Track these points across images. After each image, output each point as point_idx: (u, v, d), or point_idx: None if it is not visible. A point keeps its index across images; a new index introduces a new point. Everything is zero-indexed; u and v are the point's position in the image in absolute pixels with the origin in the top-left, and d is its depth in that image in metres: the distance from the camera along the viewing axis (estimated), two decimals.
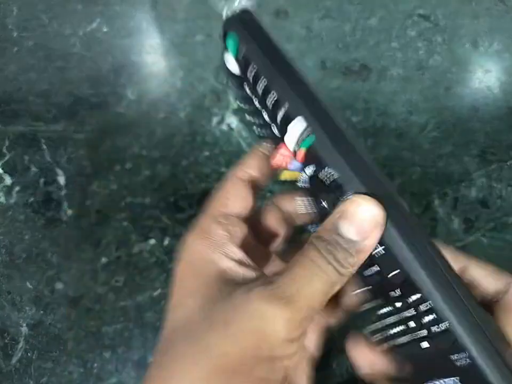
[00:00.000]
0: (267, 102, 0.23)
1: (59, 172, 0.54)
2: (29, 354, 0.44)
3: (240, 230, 0.25)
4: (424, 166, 0.51)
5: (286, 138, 0.23)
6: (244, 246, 0.25)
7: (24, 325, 0.45)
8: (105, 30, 0.66)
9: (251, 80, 0.23)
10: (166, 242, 0.49)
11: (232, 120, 0.56)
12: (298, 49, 0.61)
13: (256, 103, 0.24)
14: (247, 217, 0.27)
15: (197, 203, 0.51)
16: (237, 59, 0.23)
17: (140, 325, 0.45)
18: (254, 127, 0.27)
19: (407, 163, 0.51)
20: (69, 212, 0.51)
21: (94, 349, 0.44)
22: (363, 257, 0.21)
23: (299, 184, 0.24)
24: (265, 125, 0.25)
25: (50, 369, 0.43)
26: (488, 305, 0.25)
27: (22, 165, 0.55)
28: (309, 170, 0.22)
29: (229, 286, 0.22)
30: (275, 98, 0.22)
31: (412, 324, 0.21)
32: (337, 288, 0.21)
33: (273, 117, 0.23)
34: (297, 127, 0.22)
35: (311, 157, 0.22)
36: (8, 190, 0.53)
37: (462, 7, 0.63)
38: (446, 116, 0.54)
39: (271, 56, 0.22)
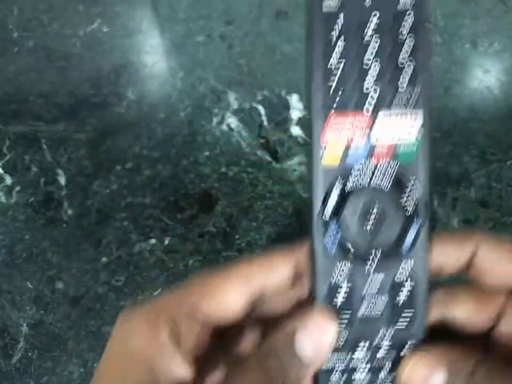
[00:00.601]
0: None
1: (59, 171, 0.54)
2: (29, 354, 0.44)
3: (194, 338, 0.21)
4: None
5: None
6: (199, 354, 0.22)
7: (25, 324, 0.45)
8: (105, 30, 0.66)
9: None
10: (166, 242, 0.49)
11: (232, 120, 0.56)
12: (298, 50, 0.61)
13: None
14: (220, 330, 0.23)
15: (197, 203, 0.51)
16: None
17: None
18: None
19: None
20: (69, 211, 0.51)
21: (94, 348, 0.44)
22: (309, 375, 0.21)
23: None
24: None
25: (50, 368, 0.43)
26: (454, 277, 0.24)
27: (23, 165, 0.55)
28: None
29: None
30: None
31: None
32: None
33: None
34: None
35: None
36: (9, 190, 0.53)
37: (462, 8, 0.63)
38: (445, 116, 0.55)
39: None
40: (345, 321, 0.22)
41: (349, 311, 0.22)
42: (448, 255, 0.23)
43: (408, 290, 0.22)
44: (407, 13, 0.21)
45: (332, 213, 0.22)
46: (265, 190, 0.51)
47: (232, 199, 0.51)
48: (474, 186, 0.50)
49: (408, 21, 0.21)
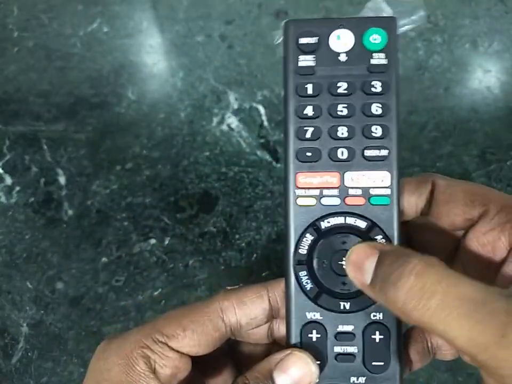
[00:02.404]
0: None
1: (59, 171, 0.54)
2: (29, 354, 0.44)
3: (170, 367, 0.22)
4: (424, 166, 0.51)
5: None
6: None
7: (25, 324, 0.45)
8: (105, 30, 0.66)
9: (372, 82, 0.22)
10: (166, 242, 0.49)
11: (232, 120, 0.56)
12: None
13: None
14: (198, 357, 0.23)
15: (197, 203, 0.51)
16: (378, 51, 0.22)
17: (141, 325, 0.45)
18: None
19: (407, 163, 0.51)
20: (69, 211, 0.51)
21: (95, 348, 0.44)
22: None
23: None
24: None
25: (50, 369, 0.43)
26: (454, 237, 0.24)
27: (23, 165, 0.55)
28: None
29: None
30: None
31: None
32: None
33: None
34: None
35: None
36: (9, 190, 0.53)
37: (462, 8, 0.63)
38: (445, 116, 0.55)
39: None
40: (319, 360, 0.22)
41: (323, 350, 0.22)
42: (407, 201, 0.23)
43: (382, 332, 0.22)
44: (378, 75, 0.22)
45: (306, 253, 0.23)
46: (265, 190, 0.51)
47: (232, 199, 0.51)
48: None
49: (379, 82, 0.22)
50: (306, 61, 0.23)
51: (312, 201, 0.23)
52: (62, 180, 0.53)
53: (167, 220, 0.50)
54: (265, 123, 0.56)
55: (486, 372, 0.17)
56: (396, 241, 0.22)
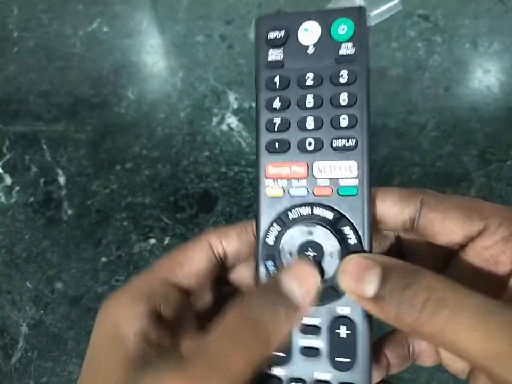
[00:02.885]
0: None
1: (59, 171, 0.54)
2: (28, 354, 0.44)
3: (172, 304, 0.23)
4: (424, 166, 0.51)
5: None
6: (177, 317, 0.23)
7: (24, 324, 0.45)
8: (105, 30, 0.66)
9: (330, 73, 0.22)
10: (166, 242, 0.49)
11: (232, 120, 0.56)
12: None
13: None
14: (195, 290, 0.24)
15: (197, 203, 0.51)
16: (345, 40, 0.22)
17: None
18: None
19: (407, 163, 0.51)
20: (69, 211, 0.51)
21: None
22: (301, 314, 0.20)
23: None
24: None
25: (50, 369, 0.43)
26: (448, 255, 0.23)
27: (22, 164, 0.55)
28: None
29: (138, 371, 0.19)
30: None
31: None
32: (267, 353, 0.19)
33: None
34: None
35: None
36: (9, 190, 0.53)
37: (462, 7, 0.63)
38: (446, 116, 0.55)
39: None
40: (284, 354, 0.22)
41: (289, 343, 0.22)
42: (391, 211, 0.23)
43: (349, 327, 0.22)
44: (346, 65, 0.22)
45: (273, 244, 0.23)
46: None
47: (232, 199, 0.51)
48: (474, 186, 0.50)
49: (346, 72, 0.22)
50: (275, 55, 0.23)
51: (280, 192, 0.23)
52: (61, 179, 0.53)
53: (167, 219, 0.50)
54: None
55: (494, 381, 0.18)
56: (365, 233, 0.22)
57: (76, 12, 0.68)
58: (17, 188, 0.53)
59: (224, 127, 0.56)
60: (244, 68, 0.61)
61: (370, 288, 0.19)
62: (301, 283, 0.20)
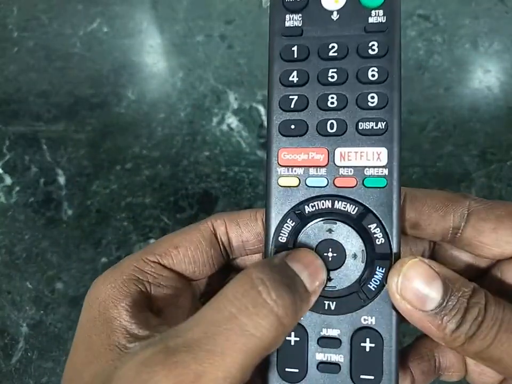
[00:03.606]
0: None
1: (59, 171, 0.54)
2: (29, 354, 0.44)
3: (165, 287, 0.21)
4: (424, 166, 0.51)
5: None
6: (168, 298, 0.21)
7: (24, 324, 0.45)
8: (105, 30, 0.66)
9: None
10: None
11: (232, 120, 0.56)
12: None
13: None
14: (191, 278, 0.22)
15: (197, 203, 0.51)
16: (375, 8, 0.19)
17: None
18: None
19: (407, 163, 0.51)
20: (69, 212, 0.51)
21: None
22: (313, 299, 0.18)
23: None
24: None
25: (50, 369, 0.43)
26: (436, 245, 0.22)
27: (22, 165, 0.55)
28: None
29: (121, 358, 0.18)
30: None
31: None
32: (272, 347, 0.16)
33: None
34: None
35: None
36: (8, 190, 0.53)
37: (462, 7, 0.63)
38: (446, 116, 0.54)
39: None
40: (297, 368, 0.19)
41: (303, 357, 0.19)
42: (433, 216, 0.20)
43: (373, 340, 0.19)
44: (376, 35, 0.19)
45: (286, 241, 0.20)
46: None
47: (232, 199, 0.51)
48: (474, 186, 0.50)
49: (377, 43, 0.19)
50: (292, 20, 0.20)
51: (295, 182, 0.20)
52: (61, 180, 0.53)
53: (167, 219, 0.50)
54: (265, 123, 0.56)
55: None
56: (394, 232, 0.19)
57: (76, 11, 0.68)
58: (17, 188, 0.53)
59: (224, 127, 0.56)
60: (244, 67, 0.60)
61: (431, 301, 0.17)
62: (309, 271, 0.18)
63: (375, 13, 0.19)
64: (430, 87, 0.57)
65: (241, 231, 0.22)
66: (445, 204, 0.20)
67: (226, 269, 0.24)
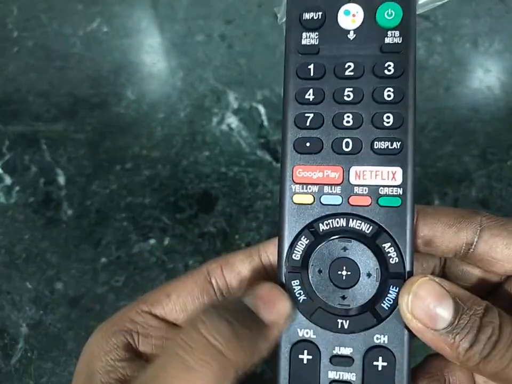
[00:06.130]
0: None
1: (59, 171, 0.54)
2: (28, 354, 0.44)
3: (154, 337, 0.21)
4: (424, 166, 0.51)
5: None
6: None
7: (24, 325, 0.45)
8: (105, 30, 0.66)
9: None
10: (166, 242, 0.49)
11: (232, 120, 0.56)
12: None
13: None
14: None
15: (196, 203, 0.51)
16: (393, 28, 0.19)
17: None
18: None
19: None
20: (69, 212, 0.51)
21: None
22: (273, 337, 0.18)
23: None
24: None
25: (50, 369, 0.43)
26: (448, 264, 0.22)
27: (22, 165, 0.55)
28: None
29: None
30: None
31: None
32: (222, 380, 0.17)
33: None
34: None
35: None
36: (8, 190, 0.53)
37: (462, 7, 0.63)
38: (446, 116, 0.54)
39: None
40: None
41: (315, 375, 0.19)
42: (446, 233, 0.20)
43: (386, 358, 0.19)
44: (392, 56, 0.19)
45: (300, 259, 0.20)
46: (265, 190, 0.51)
47: (232, 199, 0.51)
48: (475, 186, 0.50)
49: (393, 64, 0.19)
50: (309, 38, 0.20)
51: (310, 199, 0.20)
52: (61, 179, 0.53)
53: (167, 220, 0.50)
54: (265, 123, 0.56)
55: None
56: (407, 251, 0.19)
57: (76, 11, 0.68)
58: (17, 188, 0.53)
59: (224, 127, 0.56)
60: (244, 67, 0.60)
61: (443, 320, 0.17)
62: (265, 302, 0.18)
63: (391, 33, 0.20)
64: (430, 87, 0.57)
65: (238, 270, 0.22)
66: (458, 220, 0.20)
67: None
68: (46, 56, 0.64)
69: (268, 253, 0.22)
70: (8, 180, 0.54)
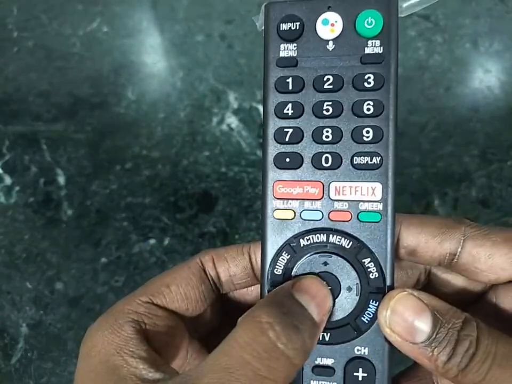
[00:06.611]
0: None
1: (59, 172, 0.54)
2: (28, 354, 0.44)
3: (160, 327, 0.21)
4: (424, 166, 0.51)
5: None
6: (168, 338, 0.21)
7: (24, 325, 0.45)
8: (105, 30, 0.66)
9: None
10: (166, 242, 0.49)
11: (232, 120, 0.56)
12: None
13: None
14: (186, 316, 0.22)
15: (196, 203, 0.51)
16: (374, 36, 0.19)
17: None
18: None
19: (407, 163, 0.51)
20: (69, 212, 0.51)
21: None
22: (319, 332, 0.18)
23: None
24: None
25: (50, 369, 0.43)
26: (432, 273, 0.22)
27: (22, 165, 0.55)
28: None
29: None
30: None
31: None
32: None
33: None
34: None
35: None
36: (8, 190, 0.53)
37: (462, 7, 0.63)
38: (446, 116, 0.54)
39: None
40: None
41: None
42: (429, 243, 0.20)
43: (366, 369, 0.19)
44: (372, 67, 0.19)
45: (282, 274, 0.20)
46: None
47: (232, 199, 0.51)
48: (475, 186, 0.50)
49: (373, 76, 0.19)
50: (287, 50, 0.20)
51: (291, 215, 0.20)
52: (61, 180, 0.53)
53: (167, 220, 0.50)
54: None
55: None
56: (388, 266, 0.19)
57: (76, 11, 0.68)
58: (17, 188, 0.53)
59: (224, 127, 0.56)
60: (244, 67, 0.60)
61: (421, 334, 0.17)
62: (316, 301, 0.18)
63: (372, 43, 0.19)
64: (430, 87, 0.57)
65: (228, 266, 0.22)
66: (442, 231, 0.20)
67: (218, 304, 0.24)
68: (46, 56, 0.64)
69: (259, 252, 0.22)
70: (8, 180, 0.54)
